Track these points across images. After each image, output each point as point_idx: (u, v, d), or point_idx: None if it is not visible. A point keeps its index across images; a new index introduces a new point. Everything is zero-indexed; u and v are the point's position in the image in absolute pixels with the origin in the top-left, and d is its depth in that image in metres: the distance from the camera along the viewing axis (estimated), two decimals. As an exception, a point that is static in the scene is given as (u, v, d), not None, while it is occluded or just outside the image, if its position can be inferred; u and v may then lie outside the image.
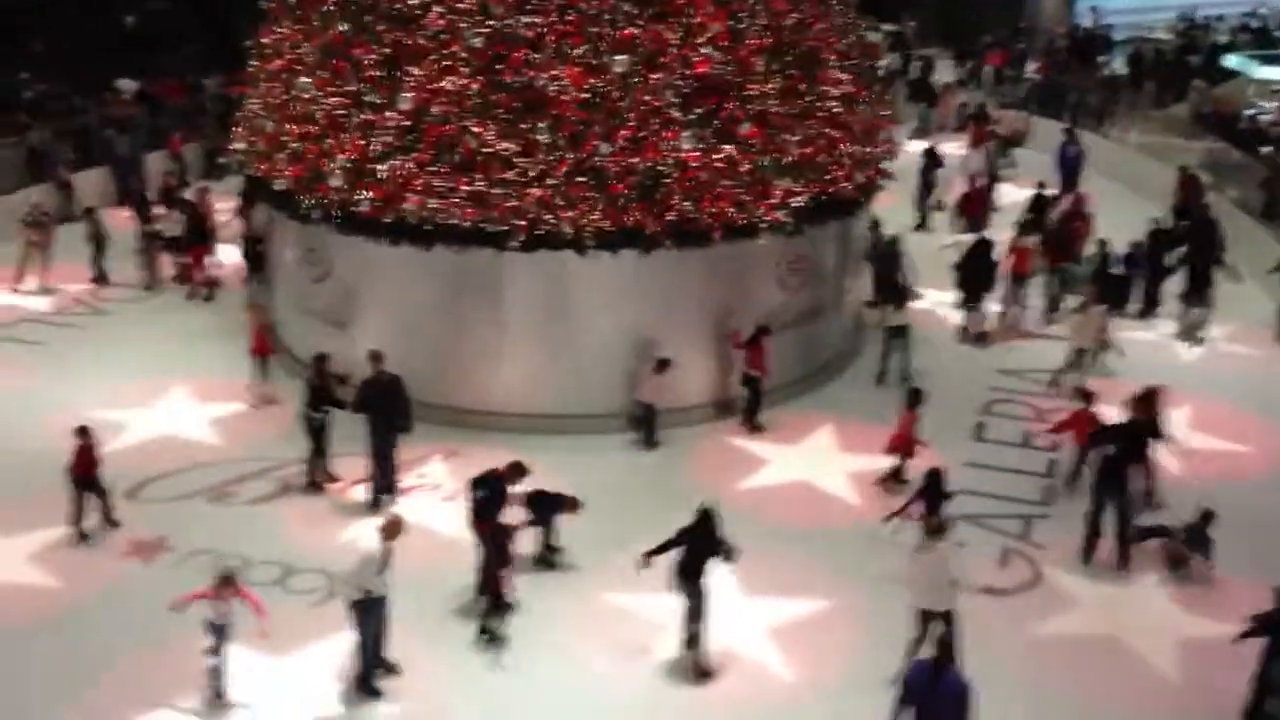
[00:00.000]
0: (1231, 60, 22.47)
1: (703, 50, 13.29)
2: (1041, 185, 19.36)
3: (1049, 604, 10.89)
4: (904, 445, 12.53)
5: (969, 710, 8.07)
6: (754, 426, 13.91)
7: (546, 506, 11.12)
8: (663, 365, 13.27)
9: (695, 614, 9.82)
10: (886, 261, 16.69)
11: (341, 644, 9.88)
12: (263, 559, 11.29)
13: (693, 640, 9.89)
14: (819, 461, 13.29)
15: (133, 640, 10.17)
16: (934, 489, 11.12)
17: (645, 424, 13.48)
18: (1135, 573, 11.34)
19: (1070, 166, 21.02)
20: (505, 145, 12.72)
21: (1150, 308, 17.09)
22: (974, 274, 16.54)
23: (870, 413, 13.87)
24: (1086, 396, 12.82)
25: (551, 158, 12.75)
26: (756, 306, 13.99)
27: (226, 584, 9.41)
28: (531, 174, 12.73)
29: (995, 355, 15.95)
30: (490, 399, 13.67)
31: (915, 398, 12.57)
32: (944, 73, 26.86)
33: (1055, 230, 17.76)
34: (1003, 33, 27.88)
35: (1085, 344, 14.81)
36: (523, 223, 12.70)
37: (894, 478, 12.55)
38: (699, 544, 9.76)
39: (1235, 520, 11.53)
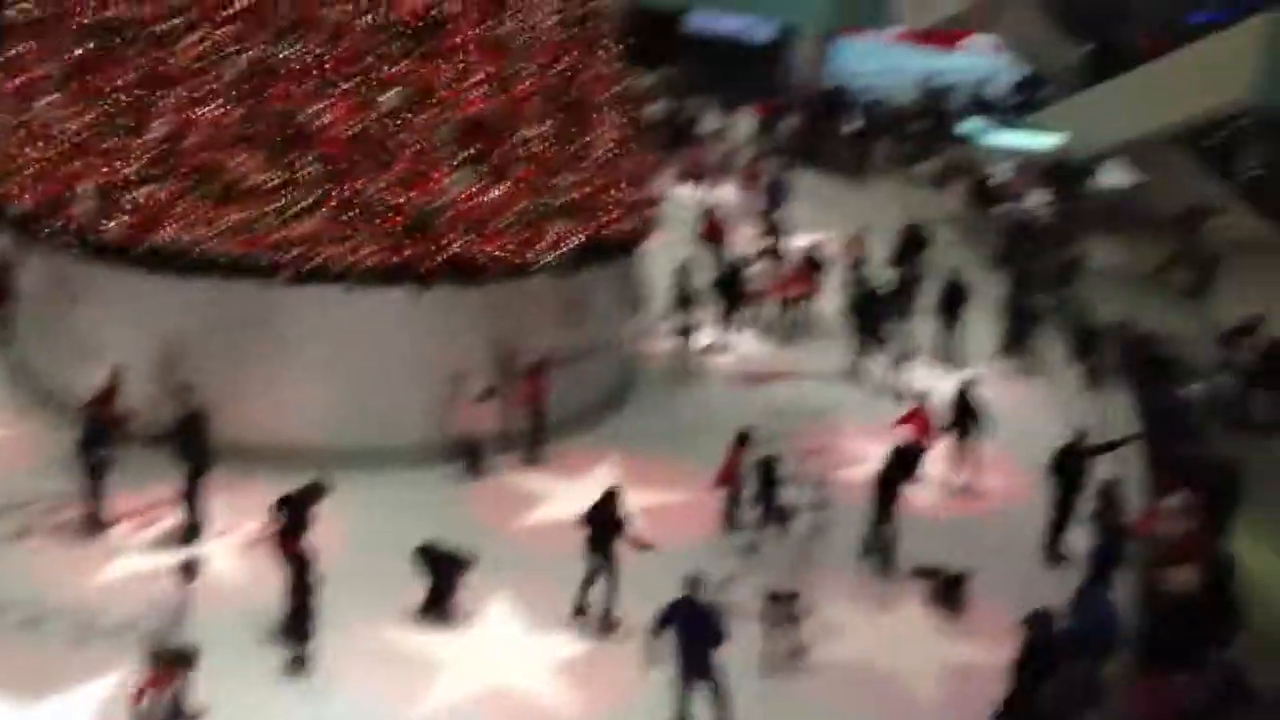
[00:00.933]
0: (969, 125, 24.19)
1: (474, 91, 13.24)
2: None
3: (820, 631, 11.17)
4: (730, 480, 12.70)
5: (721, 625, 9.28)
6: (535, 460, 13.83)
7: (449, 565, 10.76)
8: (487, 393, 13.21)
9: None
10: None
11: (100, 688, 9.37)
12: (12, 599, 10.49)
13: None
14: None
15: None
16: (767, 477, 12.04)
17: (471, 453, 13.37)
18: (900, 602, 11.81)
19: (775, 197, 22.18)
20: (269, 177, 12.25)
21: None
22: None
23: (652, 446, 14.03)
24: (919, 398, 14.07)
25: (319, 191, 12.36)
26: (534, 344, 13.91)
27: None
28: (298, 207, 12.29)
29: (767, 393, 16.39)
30: (257, 433, 13.01)
31: (744, 437, 12.76)
32: (709, 121, 27.82)
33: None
34: (766, 87, 29.12)
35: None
36: (289, 256, 12.23)
37: (728, 516, 12.72)
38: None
39: (985, 550, 12.22)
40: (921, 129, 27.75)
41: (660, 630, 9.46)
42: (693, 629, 9.42)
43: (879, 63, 31.14)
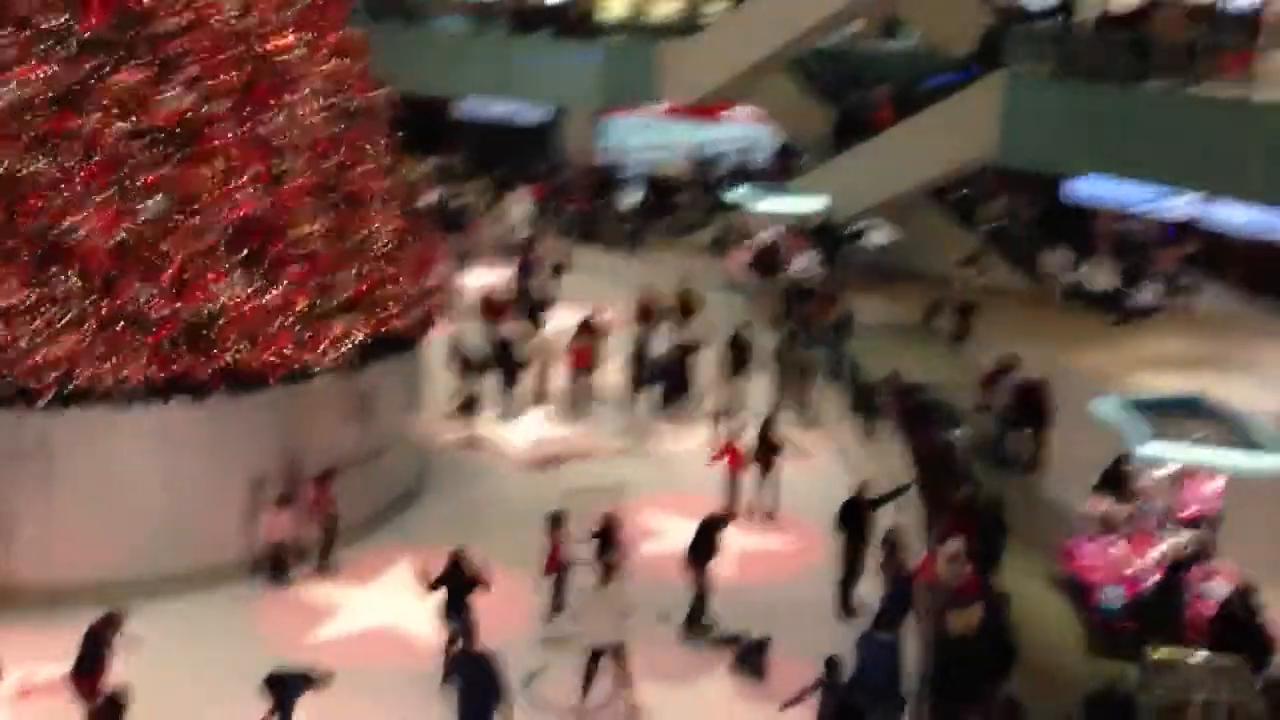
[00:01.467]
0: (737, 194, 25.20)
1: (242, 192, 13.04)
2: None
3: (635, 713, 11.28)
4: (555, 567, 12.66)
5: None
6: (326, 569, 13.50)
7: (289, 688, 10.14)
8: (284, 500, 12.94)
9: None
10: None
11: None
12: None
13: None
14: (399, 597, 13.05)
15: None
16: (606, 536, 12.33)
17: (276, 563, 13.03)
18: (705, 672, 12.07)
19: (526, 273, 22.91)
20: (26, 295, 11.71)
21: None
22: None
23: (446, 540, 13.86)
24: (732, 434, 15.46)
25: (83, 305, 11.89)
26: (321, 447, 13.66)
27: None
28: (61, 324, 11.79)
29: (560, 473, 16.50)
30: (20, 569, 12.31)
31: (557, 519, 12.74)
32: (486, 205, 28.05)
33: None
34: (541, 167, 29.60)
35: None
36: (53, 377, 11.69)
37: (554, 605, 12.68)
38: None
39: (784, 612, 12.70)
40: (694, 199, 28.76)
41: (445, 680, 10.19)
42: (473, 684, 9.98)
43: (649, 137, 32.15)
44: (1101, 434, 13.79)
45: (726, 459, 15.35)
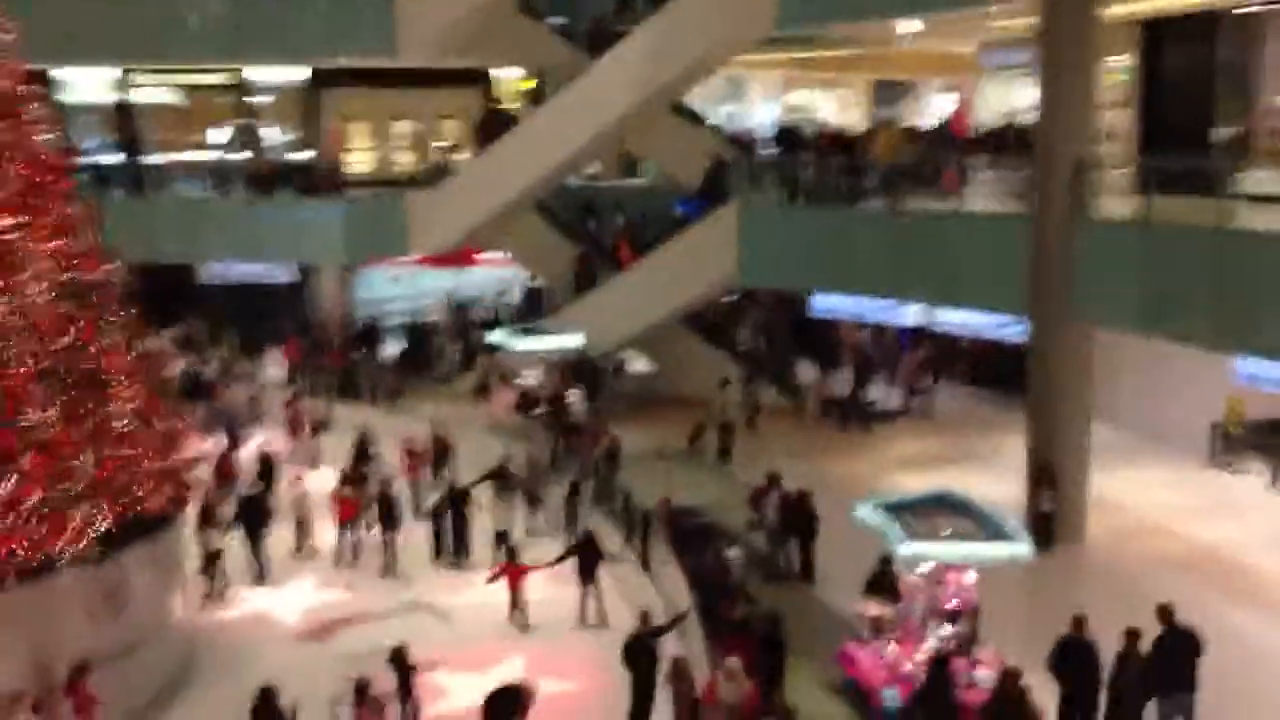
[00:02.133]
0: (494, 336, 25.40)
1: (-32, 377, 12.27)
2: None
3: None
4: None
5: None
6: None
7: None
8: (36, 708, 11.90)
9: None
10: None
11: None
12: None
13: None
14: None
15: None
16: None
17: None
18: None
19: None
20: None
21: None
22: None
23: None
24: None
25: None
26: (69, 647, 12.68)
27: None
28: None
29: (341, 639, 15.86)
30: None
31: (362, 689, 12.25)
32: (236, 369, 27.23)
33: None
34: (292, 325, 29.03)
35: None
36: None
37: None
38: None
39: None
40: (453, 345, 28.82)
41: None
42: None
43: (403, 287, 32.16)
44: (863, 538, 14.39)
45: (505, 576, 15.93)
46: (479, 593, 16.65)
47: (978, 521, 13.89)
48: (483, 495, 18.75)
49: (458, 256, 30.32)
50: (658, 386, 26.85)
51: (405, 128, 33.23)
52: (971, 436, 23.92)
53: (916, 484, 18.31)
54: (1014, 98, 27.48)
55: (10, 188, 13.49)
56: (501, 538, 17.80)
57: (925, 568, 13.68)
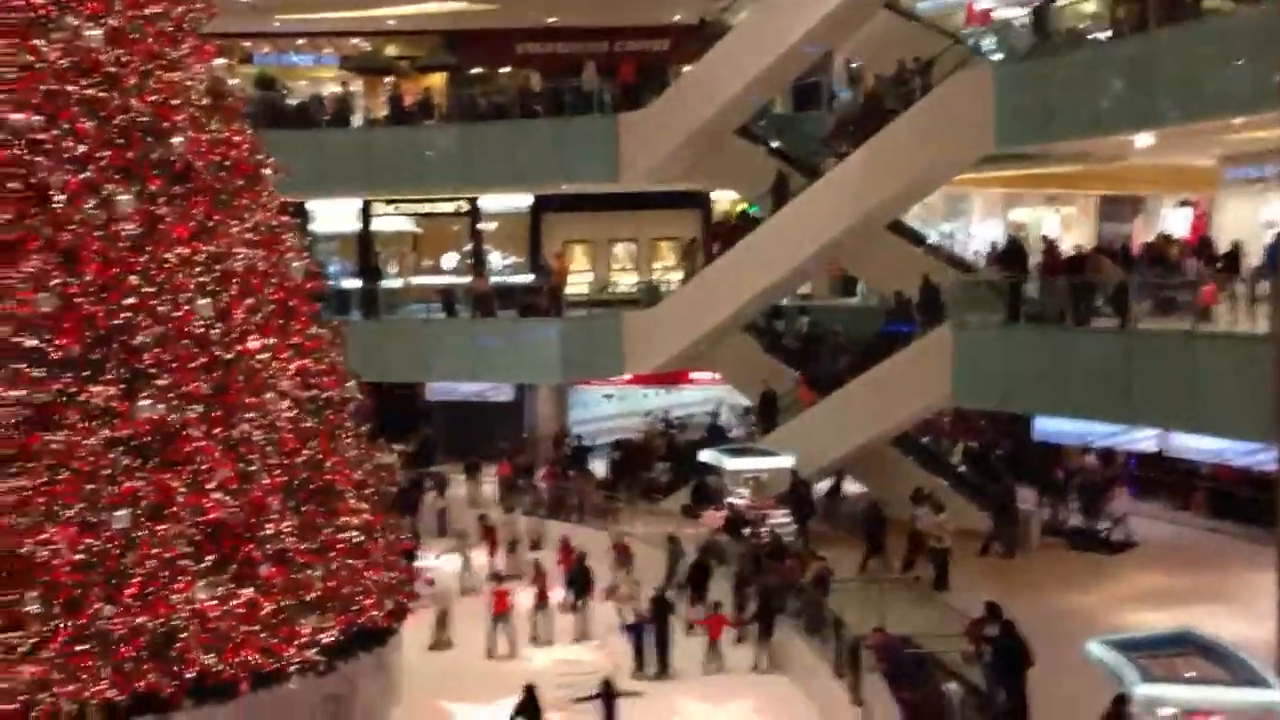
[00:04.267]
0: (707, 455, 25.42)
1: (214, 496, 13.07)
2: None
3: None
4: None
5: None
6: None
7: None
8: None
9: None
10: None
11: None
12: None
13: None
14: None
15: None
16: None
17: None
18: None
19: None
20: (-12, 621, 11.54)
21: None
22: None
23: None
24: None
25: (46, 628, 11.67)
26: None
27: None
28: (22, 649, 11.54)
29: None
30: None
31: None
32: (456, 486, 28.18)
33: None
34: (507, 444, 29.88)
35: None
36: (14, 706, 11.33)
37: None
38: None
39: None
40: (664, 463, 28.98)
41: None
42: None
43: (616, 405, 32.71)
44: (1094, 677, 13.50)
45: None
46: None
47: (1225, 664, 12.84)
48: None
49: (671, 375, 30.67)
50: (870, 509, 26.19)
51: (622, 249, 34.19)
52: (1214, 572, 22.23)
53: (1154, 621, 17.14)
54: (1261, 212, 26.06)
55: (265, 311, 14.50)
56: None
57: (1166, 713, 12.69)
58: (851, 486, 27.55)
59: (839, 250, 26.23)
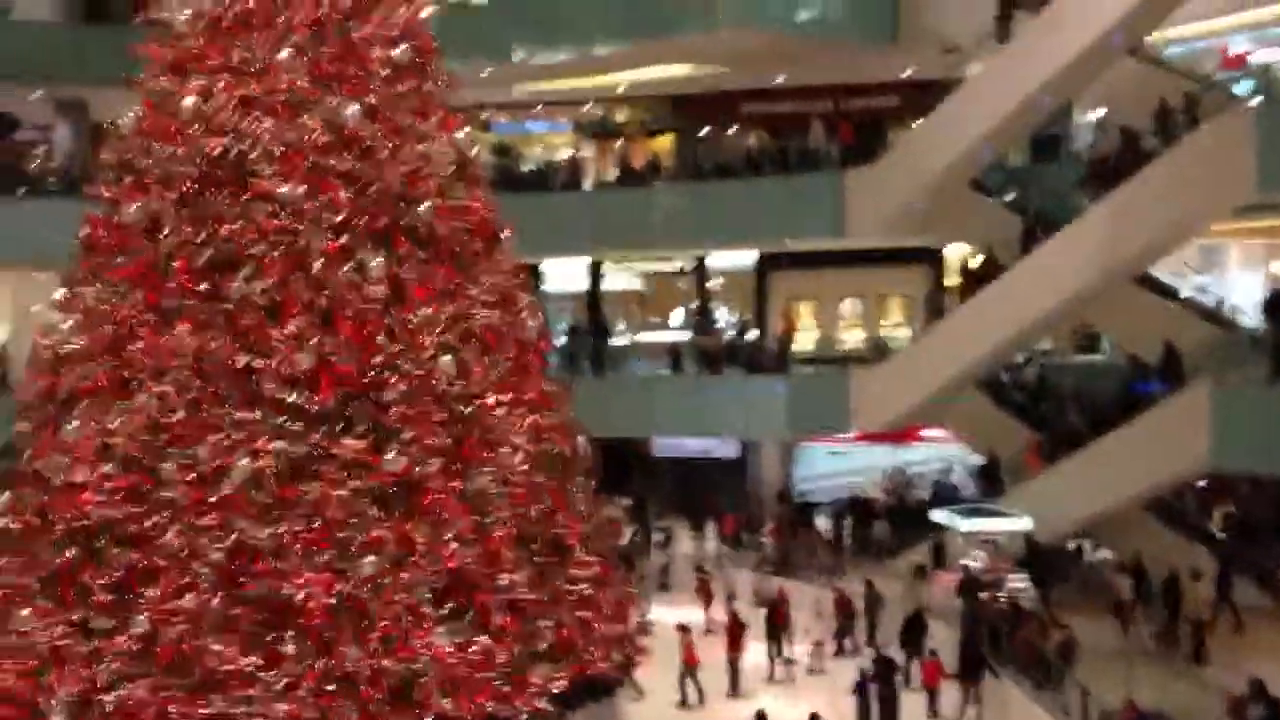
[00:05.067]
0: (939, 515, 24.66)
1: (452, 546, 13.53)
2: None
3: None
4: None
5: None
6: None
7: None
8: None
9: None
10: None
11: None
12: None
13: None
14: None
15: None
16: None
17: None
18: None
19: None
20: (248, 661, 12.27)
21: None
22: None
23: None
24: None
25: (299, 668, 12.32)
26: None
27: None
28: (277, 687, 12.22)
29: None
30: None
31: None
32: (682, 541, 28.35)
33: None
34: (730, 499, 29.86)
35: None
36: (270, 743, 12.04)
37: None
38: None
39: None
40: (894, 523, 28.28)
41: None
42: None
43: (843, 463, 32.20)
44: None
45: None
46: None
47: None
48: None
49: (900, 432, 29.99)
50: (1116, 576, 24.71)
51: (849, 305, 33.81)
52: None
53: None
54: None
55: (501, 369, 15.01)
56: None
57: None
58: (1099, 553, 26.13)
59: (1083, 304, 25.10)
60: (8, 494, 13.82)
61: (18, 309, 28.79)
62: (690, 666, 19.45)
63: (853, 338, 32.96)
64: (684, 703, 19.43)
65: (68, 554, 12.97)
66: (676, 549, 27.95)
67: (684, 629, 20.18)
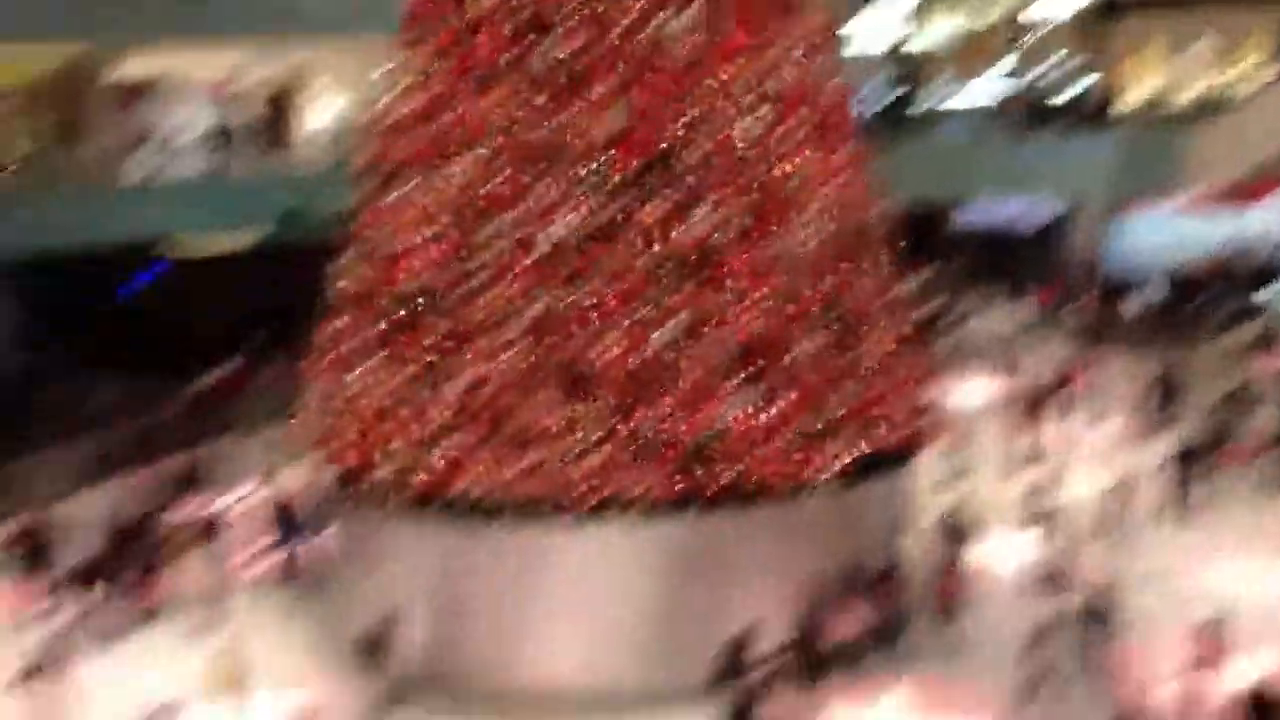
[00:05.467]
0: (1268, 293, 22.64)
1: (748, 313, 13.62)
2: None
3: None
4: None
5: None
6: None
7: None
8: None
9: None
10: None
11: None
12: None
13: None
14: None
15: None
16: None
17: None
18: None
19: None
20: (553, 421, 13.03)
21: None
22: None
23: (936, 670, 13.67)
24: None
25: (601, 432, 12.99)
26: (804, 573, 13.76)
27: None
28: (582, 446, 12.96)
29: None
30: (548, 678, 13.51)
31: None
32: (984, 314, 27.49)
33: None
34: (1044, 270, 28.48)
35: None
36: (575, 495, 12.90)
37: None
38: None
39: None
40: (1223, 297, 26.20)
41: None
42: None
43: (1163, 235, 29.84)
44: None
45: None
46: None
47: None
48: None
49: (1240, 194, 27.29)
50: None
51: (1197, 52, 30.45)
52: None
53: None
54: None
55: (803, 133, 14.51)
56: None
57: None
58: None
59: None
60: (344, 259, 14.97)
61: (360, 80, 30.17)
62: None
63: (1195, 88, 29.79)
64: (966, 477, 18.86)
65: (394, 317, 13.96)
66: (978, 322, 27.10)
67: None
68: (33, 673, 12.96)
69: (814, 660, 13.45)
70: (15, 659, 13.41)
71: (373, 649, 13.11)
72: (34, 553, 16.22)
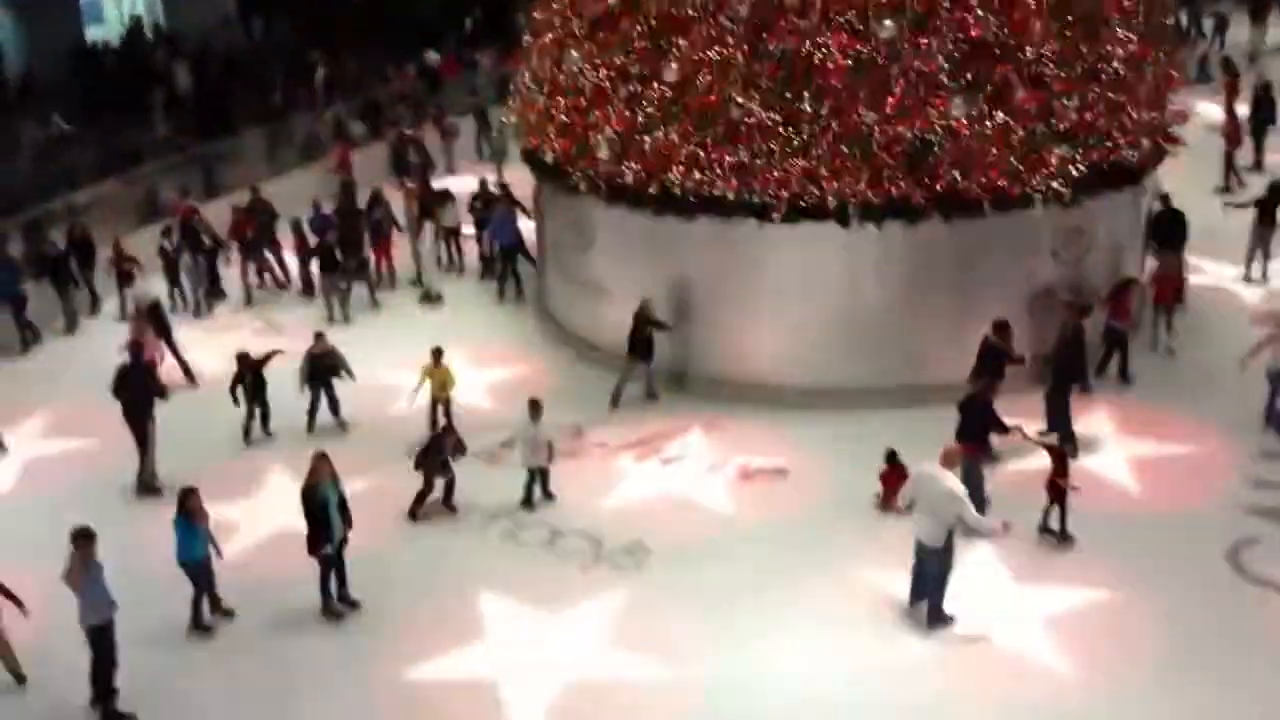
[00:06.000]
0: None
1: (976, 12, 12.74)
2: None
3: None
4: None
5: None
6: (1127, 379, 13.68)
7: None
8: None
9: None
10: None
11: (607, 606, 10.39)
12: (532, 521, 11.80)
13: None
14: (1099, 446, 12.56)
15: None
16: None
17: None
18: None
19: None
20: (769, 115, 12.63)
21: None
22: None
23: (1160, 397, 13.35)
24: None
25: (815, 127, 12.55)
26: (1027, 280, 13.41)
27: None
28: (795, 144, 12.59)
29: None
30: (749, 370, 13.68)
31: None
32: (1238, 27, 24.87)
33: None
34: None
35: None
36: (786, 194, 12.62)
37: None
38: None
39: None
40: None
41: None
42: None
43: None
44: None
45: None
46: None
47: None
48: None
49: None
50: None
51: None
52: None
53: None
54: None
55: None
56: None
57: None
58: None
59: None
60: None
61: None
62: None
63: None
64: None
65: (609, 1, 13.60)
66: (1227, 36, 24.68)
67: None
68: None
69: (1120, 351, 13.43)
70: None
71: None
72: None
